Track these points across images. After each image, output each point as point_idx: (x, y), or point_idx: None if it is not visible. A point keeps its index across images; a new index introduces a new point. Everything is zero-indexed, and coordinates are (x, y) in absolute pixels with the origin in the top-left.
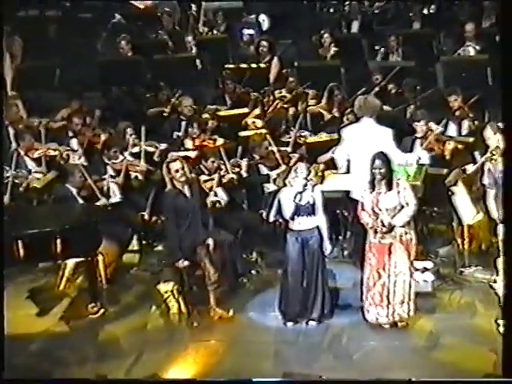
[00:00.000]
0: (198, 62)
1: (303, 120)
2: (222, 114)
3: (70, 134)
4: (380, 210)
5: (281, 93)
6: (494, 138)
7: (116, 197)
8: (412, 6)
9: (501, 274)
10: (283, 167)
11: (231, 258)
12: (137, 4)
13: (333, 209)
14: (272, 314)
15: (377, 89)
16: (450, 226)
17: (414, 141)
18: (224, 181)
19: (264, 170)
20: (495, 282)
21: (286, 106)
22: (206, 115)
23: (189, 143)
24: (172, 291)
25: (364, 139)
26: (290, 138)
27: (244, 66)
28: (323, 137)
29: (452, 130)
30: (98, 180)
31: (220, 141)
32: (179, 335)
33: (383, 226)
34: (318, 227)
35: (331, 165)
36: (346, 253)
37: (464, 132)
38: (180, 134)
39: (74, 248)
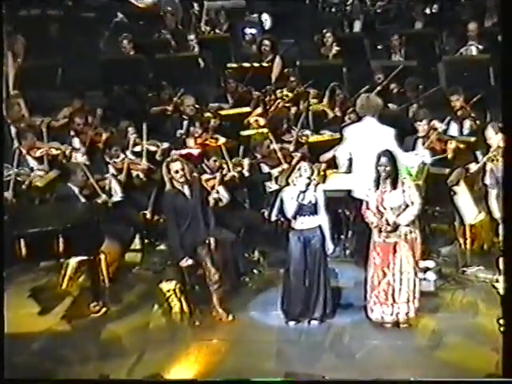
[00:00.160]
0: (200, 61)
1: (305, 119)
2: (223, 113)
3: (72, 132)
4: (385, 208)
5: (282, 92)
6: (495, 138)
7: (118, 195)
8: (414, 5)
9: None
10: (285, 165)
11: (233, 257)
12: (137, 3)
13: (335, 208)
14: (274, 313)
15: (379, 88)
16: (452, 225)
17: (416, 140)
18: (226, 179)
19: (266, 169)
20: (497, 281)
21: (287, 105)
22: (208, 114)
23: (191, 142)
24: (174, 290)
25: (366, 138)
26: (291, 137)
27: (246, 65)
28: (325, 136)
29: (454, 129)
30: (100, 179)
31: (222, 140)
32: (181, 334)
33: (388, 224)
34: (320, 226)
35: (333, 164)
36: (347, 252)
37: (466, 132)
38: (182, 132)
39: (76, 247)
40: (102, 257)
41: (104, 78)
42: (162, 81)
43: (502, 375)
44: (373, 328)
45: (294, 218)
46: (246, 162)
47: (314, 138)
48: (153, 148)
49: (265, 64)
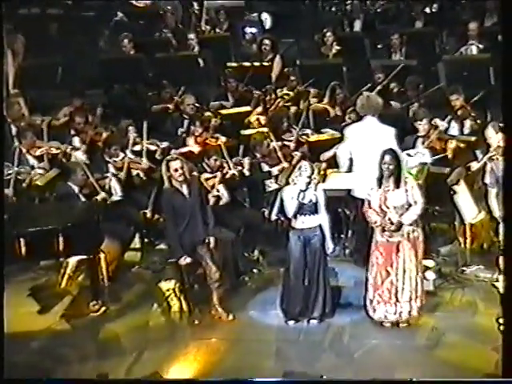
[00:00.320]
0: (200, 60)
1: (305, 119)
2: (224, 112)
3: (72, 131)
4: (388, 207)
5: (282, 91)
6: (495, 138)
7: (117, 195)
8: (414, 4)
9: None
10: (285, 164)
11: (233, 257)
12: (136, 3)
13: (334, 207)
14: (273, 313)
15: (379, 87)
16: (451, 224)
17: (416, 140)
18: (226, 178)
19: (266, 169)
20: (497, 280)
21: (287, 104)
22: (208, 113)
23: (191, 141)
24: (174, 289)
25: (367, 138)
26: (292, 136)
27: (246, 64)
28: (325, 135)
29: (454, 129)
30: (100, 178)
31: (222, 139)
32: (180, 333)
33: (392, 223)
34: (320, 226)
35: (333, 163)
36: (347, 251)
37: (466, 131)
38: (182, 131)
39: (76, 246)
40: (102, 256)
41: (104, 76)
42: (162, 80)
43: (501, 375)
44: (372, 327)
45: (295, 217)
46: (246, 161)
47: (314, 138)
48: (153, 147)
49: (265, 63)
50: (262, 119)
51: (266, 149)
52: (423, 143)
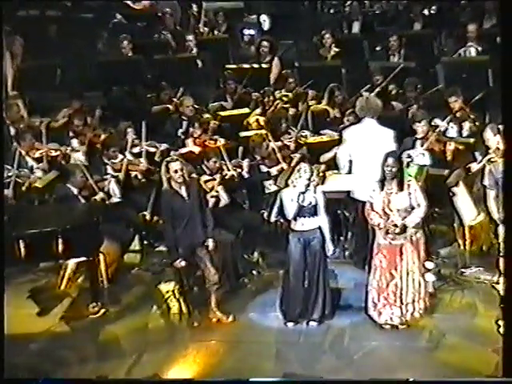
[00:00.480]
0: (199, 62)
1: (304, 121)
2: (223, 113)
3: (71, 133)
4: (391, 210)
5: (281, 93)
6: (493, 140)
7: (117, 196)
8: (413, 6)
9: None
10: (284, 164)
11: (232, 259)
12: (134, 5)
13: (334, 209)
14: (273, 315)
15: (378, 89)
16: (451, 226)
17: (415, 141)
18: (225, 180)
19: (265, 171)
20: (498, 283)
21: (286, 106)
22: (207, 115)
23: (190, 143)
24: (173, 291)
25: (366, 140)
26: (291, 138)
27: (245, 66)
28: (324, 137)
29: (453, 131)
30: (99, 180)
31: (221, 141)
32: (180, 335)
33: (396, 226)
34: (319, 228)
35: (333, 165)
36: (347, 253)
37: (465, 133)
38: (182, 132)
39: (76, 248)
40: (101, 258)
41: (103, 78)
42: (160, 82)
43: (500, 376)
44: (372, 329)
45: (294, 219)
46: (245, 163)
47: (313, 139)
48: (152, 149)
49: (264, 65)
50: (261, 120)
51: (265, 151)
52: (422, 145)
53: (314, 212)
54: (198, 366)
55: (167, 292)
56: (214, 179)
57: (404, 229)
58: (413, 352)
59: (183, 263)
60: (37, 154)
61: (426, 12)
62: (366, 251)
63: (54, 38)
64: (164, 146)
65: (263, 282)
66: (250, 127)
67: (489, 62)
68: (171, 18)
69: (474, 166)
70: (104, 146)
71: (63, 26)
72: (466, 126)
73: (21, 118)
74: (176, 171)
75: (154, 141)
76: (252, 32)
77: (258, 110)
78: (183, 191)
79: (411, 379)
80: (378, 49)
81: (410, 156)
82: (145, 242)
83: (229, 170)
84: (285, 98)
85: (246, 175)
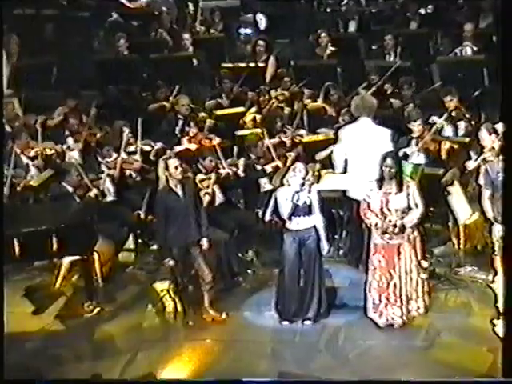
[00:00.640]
0: (195, 61)
1: (300, 120)
2: (218, 112)
3: (67, 132)
4: (389, 210)
5: (277, 92)
6: (488, 139)
7: (111, 195)
8: (409, 5)
9: (499, 274)
10: (279, 162)
11: (227, 257)
12: (129, 4)
13: (329, 208)
14: (268, 314)
15: (374, 88)
16: (445, 225)
17: (410, 141)
18: (220, 178)
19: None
20: (492, 281)
21: (281, 105)
22: (202, 114)
23: (185, 142)
24: (168, 290)
25: (361, 139)
26: (286, 136)
27: (242, 65)
28: (320, 136)
29: (448, 130)
30: (94, 179)
31: (216, 140)
32: (175, 334)
33: (395, 226)
34: (314, 227)
35: (328, 164)
36: (341, 252)
37: (460, 132)
38: (177, 131)
39: (70, 246)
40: (96, 256)
41: (99, 77)
42: (156, 81)
43: (496, 375)
44: (367, 328)
45: (289, 218)
46: (241, 162)
47: (308, 138)
48: (147, 148)
49: (260, 64)
50: (258, 118)
51: (261, 150)
52: (417, 144)
53: (308, 211)
54: (192, 365)
55: (162, 291)
56: (210, 178)
57: (403, 229)
58: (408, 351)
59: (171, 262)
60: (32, 153)
61: (422, 11)
62: (360, 250)
63: (50, 37)
64: (159, 145)
65: (258, 280)
66: (246, 126)
67: (484, 61)
68: (167, 17)
69: (470, 165)
70: (98, 144)
71: (59, 24)
72: (462, 125)
73: (16, 117)
74: (176, 167)
75: (149, 139)
76: (248, 31)
77: (254, 109)
78: (179, 190)
79: (407, 379)
80: (374, 48)
81: (406, 154)
82: (139, 241)
83: (224, 168)
84: (280, 97)
85: (241, 174)
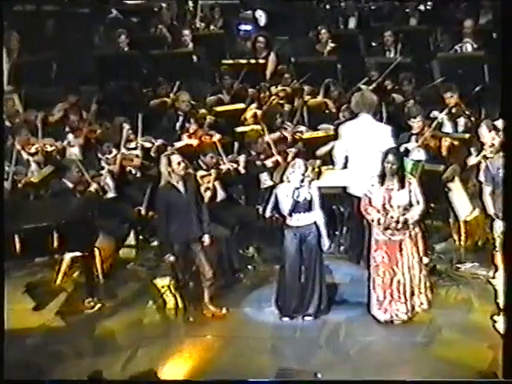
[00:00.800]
0: (195, 57)
1: (300, 117)
2: (219, 109)
3: (67, 128)
4: (391, 206)
5: (277, 88)
6: (488, 136)
7: (112, 191)
8: (408, 2)
9: (500, 270)
10: (278, 157)
11: (227, 254)
12: (129, 0)
13: (329, 204)
14: (269, 310)
15: (374, 85)
16: (446, 222)
17: (410, 137)
18: (221, 174)
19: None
20: (493, 277)
21: (282, 101)
22: (203, 110)
23: (185, 138)
24: (169, 286)
25: (362, 136)
26: (287, 133)
27: (242, 61)
28: (320, 132)
29: (448, 126)
30: (95, 175)
31: (217, 136)
32: (175, 330)
33: (397, 222)
34: (315, 223)
35: (328, 160)
36: (342, 248)
37: (460, 129)
38: (179, 126)
39: (71, 243)
40: (97, 252)
41: (99, 73)
42: (156, 77)
43: (495, 372)
44: (368, 324)
45: (290, 214)
46: (241, 159)
47: (308, 135)
48: (147, 144)
49: (260, 61)
50: (258, 114)
51: (261, 146)
52: (417, 141)
53: (309, 207)
54: (193, 361)
55: (163, 287)
56: (210, 174)
57: (405, 224)
58: (408, 347)
59: (172, 258)
60: (32, 149)
61: (421, 8)
62: (361, 246)
63: (50, 33)
64: (160, 141)
65: (259, 277)
66: (247, 122)
67: (484, 57)
68: (167, 13)
69: (471, 161)
70: (98, 141)
71: (59, 20)
72: (462, 121)
73: (16, 113)
74: (179, 163)
75: (149, 136)
76: (248, 27)
77: (254, 106)
78: (180, 186)
79: (407, 375)
80: (373, 44)
81: (407, 150)
82: (140, 237)
83: (224, 163)
84: (281, 94)
85: (242, 171)
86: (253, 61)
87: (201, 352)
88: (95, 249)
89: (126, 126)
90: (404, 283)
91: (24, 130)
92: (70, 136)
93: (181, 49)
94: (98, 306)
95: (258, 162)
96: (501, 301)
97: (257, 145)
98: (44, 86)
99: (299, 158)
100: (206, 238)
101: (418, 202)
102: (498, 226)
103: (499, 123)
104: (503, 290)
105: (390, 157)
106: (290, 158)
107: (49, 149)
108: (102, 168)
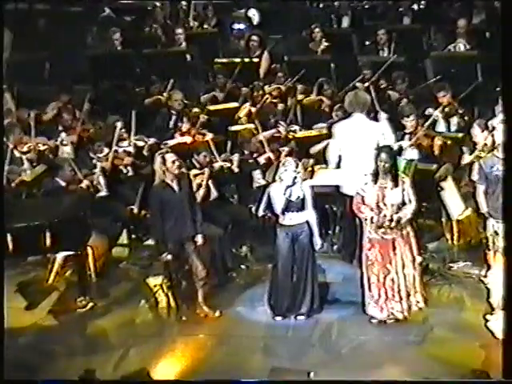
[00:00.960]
0: (188, 56)
1: (293, 116)
2: (212, 108)
3: (60, 127)
4: (385, 205)
5: (270, 87)
6: (481, 136)
7: (105, 190)
8: (402, 1)
9: (492, 269)
10: (271, 155)
11: (220, 253)
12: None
13: (321, 204)
14: (261, 309)
15: (367, 84)
16: (439, 221)
17: (403, 136)
18: (214, 173)
19: (254, 165)
20: (486, 276)
21: (275, 100)
22: (196, 109)
23: (178, 137)
24: (161, 285)
25: (355, 135)
26: (279, 132)
27: (235, 60)
28: (313, 131)
29: (441, 125)
30: (87, 174)
31: (209, 135)
32: (168, 329)
33: (391, 221)
34: (307, 222)
35: (321, 159)
36: (335, 248)
37: (453, 128)
38: (172, 125)
39: (64, 241)
40: (89, 251)
41: (92, 72)
42: (150, 76)
43: (487, 371)
44: (360, 323)
45: (283, 213)
46: (235, 158)
47: (301, 134)
48: (140, 143)
49: (254, 59)
50: (253, 112)
51: (254, 145)
52: (410, 140)
53: (301, 206)
54: (186, 360)
55: (155, 286)
56: (203, 173)
57: (398, 223)
58: (401, 346)
59: (169, 257)
60: (25, 148)
61: (415, 7)
62: (354, 245)
63: (43, 32)
64: (152, 140)
65: (251, 276)
66: (240, 120)
67: (477, 57)
68: (161, 12)
69: (466, 158)
70: (91, 140)
71: (52, 19)
72: (454, 120)
73: (9, 112)
74: (173, 162)
75: (142, 135)
76: (241, 26)
77: (247, 105)
78: (174, 185)
79: (400, 374)
80: (367, 43)
81: (400, 148)
82: (133, 236)
83: (218, 161)
84: (274, 93)
85: (235, 169)
86: (246, 60)
87: (193, 351)
88: (88, 248)
89: (119, 125)
90: (398, 282)
91: (17, 128)
92: (63, 135)
93: (174, 48)
94: (91, 305)
95: (251, 160)
96: (493, 300)
97: (250, 144)
98: (37, 84)
99: (291, 156)
100: (199, 238)
101: (410, 201)
102: (491, 224)
103: (492, 122)
104: (503, 290)
105: (383, 155)
106: (282, 156)
107: (41, 147)
108: (95, 167)
